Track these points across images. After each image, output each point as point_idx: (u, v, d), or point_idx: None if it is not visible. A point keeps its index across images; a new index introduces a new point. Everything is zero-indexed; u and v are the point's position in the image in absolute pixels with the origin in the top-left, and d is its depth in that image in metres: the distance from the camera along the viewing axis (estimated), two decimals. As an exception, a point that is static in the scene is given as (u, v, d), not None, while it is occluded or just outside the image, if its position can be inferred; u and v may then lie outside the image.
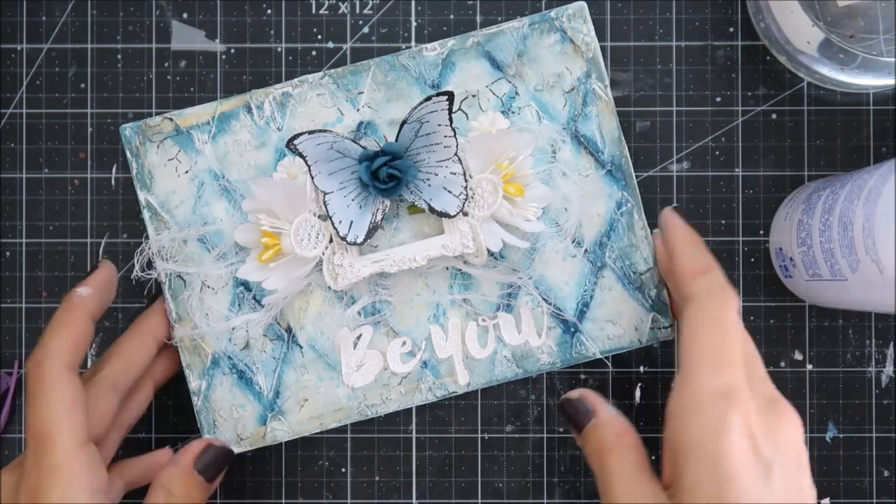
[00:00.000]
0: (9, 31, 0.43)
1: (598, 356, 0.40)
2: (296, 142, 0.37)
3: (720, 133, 0.42)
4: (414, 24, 0.42)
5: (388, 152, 0.38)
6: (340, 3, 0.43)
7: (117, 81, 0.42)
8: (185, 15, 0.43)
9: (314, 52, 0.42)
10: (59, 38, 0.43)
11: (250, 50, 0.42)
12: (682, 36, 0.42)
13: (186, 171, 0.40)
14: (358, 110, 0.40)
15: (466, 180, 0.38)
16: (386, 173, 0.37)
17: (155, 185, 0.40)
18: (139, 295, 0.42)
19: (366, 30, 0.42)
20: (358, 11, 0.43)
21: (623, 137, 0.40)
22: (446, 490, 0.42)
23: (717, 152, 0.42)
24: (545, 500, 0.42)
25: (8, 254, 0.42)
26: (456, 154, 0.38)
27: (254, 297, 0.40)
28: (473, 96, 0.40)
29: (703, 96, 0.42)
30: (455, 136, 0.37)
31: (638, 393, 0.42)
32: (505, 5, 0.42)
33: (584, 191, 0.40)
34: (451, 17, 0.42)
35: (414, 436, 0.42)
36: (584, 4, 0.40)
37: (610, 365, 0.42)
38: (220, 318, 0.40)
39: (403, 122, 0.37)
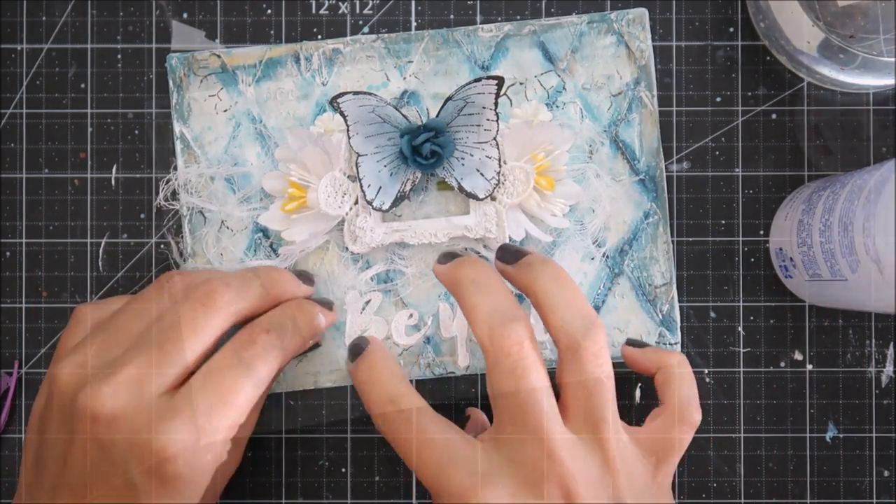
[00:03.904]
0: (9, 31, 0.43)
1: None
2: (339, 100, 0.37)
3: (720, 133, 0.42)
4: (414, 24, 0.42)
5: (430, 128, 0.38)
6: (340, 3, 0.43)
7: (117, 81, 0.42)
8: (185, 15, 0.43)
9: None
10: (59, 38, 0.43)
11: (250, 50, 0.42)
12: (682, 36, 0.42)
13: (225, 110, 0.40)
14: (405, 79, 0.40)
15: (500, 166, 0.38)
16: (429, 149, 0.38)
17: (192, 118, 0.40)
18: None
19: (366, 30, 0.42)
20: (358, 11, 0.43)
21: (662, 150, 0.40)
22: (446, 490, 0.42)
23: (717, 152, 0.42)
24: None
25: (8, 254, 0.42)
26: (495, 139, 0.38)
27: (270, 245, 0.40)
28: (521, 84, 0.40)
29: (703, 96, 0.42)
30: (497, 120, 0.38)
31: (638, 393, 0.42)
32: (505, 5, 0.42)
33: (615, 195, 0.40)
34: (451, 17, 0.42)
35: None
36: (645, 11, 0.40)
37: (610, 365, 0.42)
38: (234, 260, 0.40)
39: (448, 99, 0.38)
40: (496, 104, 0.37)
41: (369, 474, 0.42)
